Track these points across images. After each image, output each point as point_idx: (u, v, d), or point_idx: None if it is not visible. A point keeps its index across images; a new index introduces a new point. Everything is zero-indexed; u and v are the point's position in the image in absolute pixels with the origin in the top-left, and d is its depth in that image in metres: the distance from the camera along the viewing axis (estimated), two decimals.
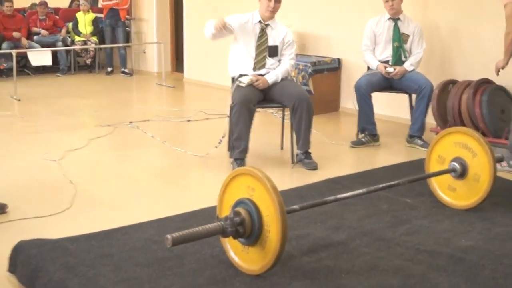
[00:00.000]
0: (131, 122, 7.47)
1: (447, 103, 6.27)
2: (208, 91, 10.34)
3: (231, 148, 5.68)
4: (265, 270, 3.30)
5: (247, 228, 3.31)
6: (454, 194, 4.55)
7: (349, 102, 7.88)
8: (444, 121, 6.36)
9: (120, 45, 11.98)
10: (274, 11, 5.81)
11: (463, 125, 6.06)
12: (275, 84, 5.76)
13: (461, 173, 4.45)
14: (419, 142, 6.43)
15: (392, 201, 4.66)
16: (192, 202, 4.66)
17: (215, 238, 3.64)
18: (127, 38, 12.44)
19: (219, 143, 5.94)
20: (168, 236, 3.10)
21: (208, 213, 4.27)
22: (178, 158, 6.01)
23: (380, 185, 4.16)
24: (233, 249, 3.51)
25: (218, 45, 10.22)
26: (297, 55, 6.58)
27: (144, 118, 7.76)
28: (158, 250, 3.69)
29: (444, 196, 4.61)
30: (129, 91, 10.92)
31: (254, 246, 3.35)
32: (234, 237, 3.37)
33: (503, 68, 5.90)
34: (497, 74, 5.93)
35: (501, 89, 6.27)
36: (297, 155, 5.80)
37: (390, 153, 6.30)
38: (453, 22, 7.23)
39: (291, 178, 5.49)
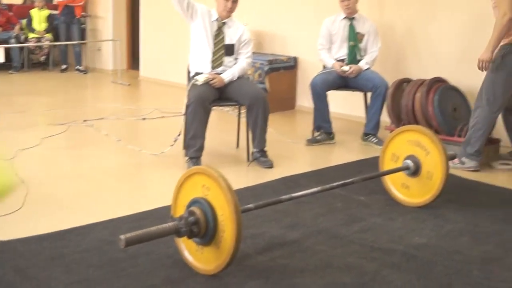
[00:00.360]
0: (85, 121, 7.40)
1: (401, 102, 6.33)
2: (164, 89, 10.29)
3: (186, 146, 5.65)
4: (220, 269, 3.29)
5: (202, 228, 3.29)
6: (408, 192, 4.60)
7: (305, 100, 7.91)
8: (398, 120, 6.42)
9: (75, 42, 11.87)
10: (231, 11, 5.81)
11: (417, 123, 6.12)
12: (231, 82, 5.75)
13: (415, 171, 4.50)
14: (374, 140, 6.47)
15: (347, 199, 4.69)
16: (147, 201, 4.63)
17: (169, 238, 3.62)
18: (82, 36, 12.31)
19: (174, 141, 5.91)
20: (122, 236, 3.08)
21: (162, 213, 4.25)
22: (133, 157, 5.96)
23: (335, 183, 4.19)
24: (188, 249, 3.49)
25: (174, 42, 10.24)
26: (253, 53, 6.57)
27: (98, 116, 7.69)
28: (112, 251, 3.66)
29: (398, 194, 4.65)
30: (83, 89, 10.80)
31: (209, 245, 3.34)
32: (189, 237, 3.35)
33: (489, 62, 5.48)
34: (483, 70, 5.56)
35: (453, 88, 6.33)
36: (252, 153, 5.79)
37: (346, 151, 6.33)
38: (408, 22, 7.30)
39: (247, 177, 5.48)
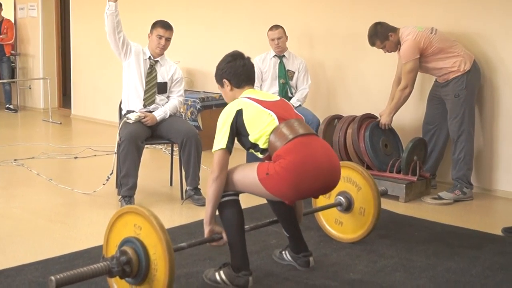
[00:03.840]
0: (15, 160, 7.27)
1: (333, 138, 6.38)
2: (96, 127, 10.20)
3: (119, 185, 5.60)
4: None
5: (134, 267, 3.25)
6: (341, 228, 4.63)
7: None
8: None
9: (5, 80, 11.70)
10: (164, 48, 5.82)
11: (349, 159, 6.19)
12: (163, 120, 5.74)
13: (347, 206, 4.53)
14: None
15: (281, 236, 4.67)
16: (79, 241, 4.56)
17: (101, 279, 3.56)
18: (12, 74, 12.16)
19: (107, 180, 5.84)
20: (52, 277, 3.02)
21: (95, 253, 4.19)
22: (65, 197, 5.87)
23: (267, 220, 4.19)
24: None
25: (106, 81, 10.18)
26: (185, 91, 6.58)
27: (29, 155, 7.56)
28: None
29: (332, 230, 4.68)
30: (14, 127, 10.64)
31: (142, 285, 3.30)
32: (121, 277, 3.31)
33: (389, 125, 6.19)
34: (384, 128, 6.20)
35: None
36: (186, 191, 5.77)
37: None
38: (337, 59, 7.41)
39: (181, 215, 5.45)
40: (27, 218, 5.21)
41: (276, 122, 3.67)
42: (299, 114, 3.92)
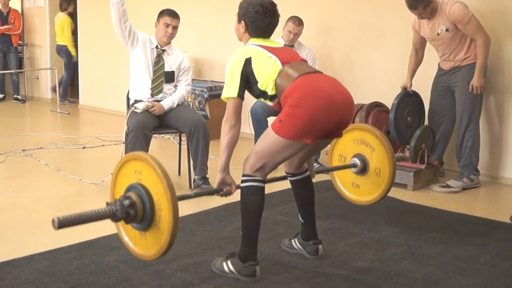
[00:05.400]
0: (24, 150, 7.28)
1: None
2: (104, 117, 10.21)
3: None
4: (165, 248, 3.21)
5: (139, 210, 3.23)
6: (358, 191, 4.57)
7: (246, 126, 7.92)
8: None
9: (12, 71, 11.71)
10: (171, 37, 5.82)
11: None
12: (171, 110, 5.74)
13: (362, 168, 4.45)
14: (316, 165, 6.50)
15: (289, 224, 4.70)
16: (87, 231, 4.54)
17: (110, 268, 3.58)
18: (20, 64, 12.16)
19: None
20: (55, 218, 3.01)
21: (104, 242, 4.21)
22: (73, 187, 5.88)
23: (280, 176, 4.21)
24: (132, 240, 3.42)
25: (114, 70, 10.18)
26: (193, 80, 6.58)
27: (37, 145, 7.58)
28: (52, 283, 3.60)
29: (349, 194, 4.63)
30: (22, 118, 10.65)
31: (150, 229, 3.27)
32: (126, 221, 3.29)
33: (483, 86, 5.92)
34: (478, 92, 5.91)
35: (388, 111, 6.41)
36: (194, 180, 5.77)
37: None
38: (346, 49, 7.39)
39: (189, 204, 5.43)
40: (35, 208, 5.23)
41: (280, 66, 3.64)
42: (304, 58, 3.87)
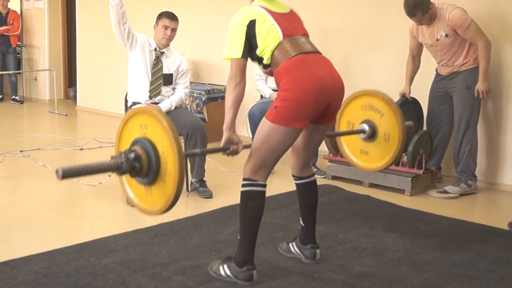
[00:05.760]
0: (21, 151, 7.28)
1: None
2: (102, 118, 10.21)
3: None
4: (170, 202, 3.20)
5: (144, 164, 3.20)
6: (367, 157, 4.53)
7: (243, 130, 7.92)
8: (336, 149, 6.44)
9: (11, 72, 11.71)
10: (170, 39, 5.82)
11: None
12: (169, 112, 5.74)
13: (371, 134, 4.40)
14: (313, 169, 6.50)
15: (286, 228, 4.69)
16: (85, 232, 4.57)
17: (107, 270, 3.57)
18: (18, 65, 12.16)
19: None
20: (59, 168, 2.99)
21: (101, 244, 4.20)
22: (71, 188, 5.87)
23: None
24: (138, 196, 3.41)
25: (112, 72, 10.18)
26: (191, 83, 6.57)
27: (35, 146, 7.57)
28: (49, 284, 3.59)
29: (358, 161, 4.59)
30: (20, 119, 10.65)
31: (156, 183, 3.25)
32: (132, 175, 3.27)
33: (488, 90, 5.92)
34: (484, 96, 5.94)
35: None
36: (191, 183, 5.77)
37: (285, 180, 6.30)
38: (345, 53, 7.39)
39: (186, 207, 5.45)
40: (33, 209, 5.22)
41: (281, 38, 3.61)
42: (306, 30, 3.85)
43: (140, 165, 3.20)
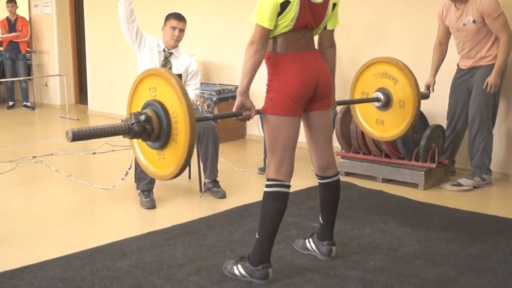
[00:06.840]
0: (34, 157, 7.30)
1: (350, 127, 6.37)
2: (113, 122, 10.18)
3: (137, 179, 5.61)
4: (183, 162, 3.21)
5: (155, 125, 3.23)
6: (383, 127, 4.54)
7: (255, 129, 7.93)
8: (348, 145, 6.46)
9: (21, 78, 11.75)
10: (178, 39, 5.81)
11: (367, 147, 6.18)
12: None
13: (386, 102, 4.41)
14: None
15: (300, 226, 4.69)
16: (99, 236, 4.57)
17: (123, 273, 3.57)
18: (28, 71, 12.21)
19: (125, 175, 5.86)
20: (69, 130, 3.02)
21: (115, 248, 4.21)
22: (84, 192, 5.89)
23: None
24: (151, 162, 3.44)
25: (122, 75, 10.20)
26: (201, 84, 6.58)
27: (47, 152, 7.59)
28: None
29: (374, 131, 4.61)
30: (31, 125, 10.69)
31: (168, 145, 3.27)
32: (143, 139, 3.29)
33: (496, 86, 5.80)
34: (492, 91, 5.80)
35: None
36: (205, 184, 5.77)
37: (298, 178, 6.28)
38: (354, 50, 7.37)
39: (200, 207, 5.46)
40: (47, 215, 5.23)
41: (290, 28, 3.62)
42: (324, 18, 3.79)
43: (150, 127, 3.22)
